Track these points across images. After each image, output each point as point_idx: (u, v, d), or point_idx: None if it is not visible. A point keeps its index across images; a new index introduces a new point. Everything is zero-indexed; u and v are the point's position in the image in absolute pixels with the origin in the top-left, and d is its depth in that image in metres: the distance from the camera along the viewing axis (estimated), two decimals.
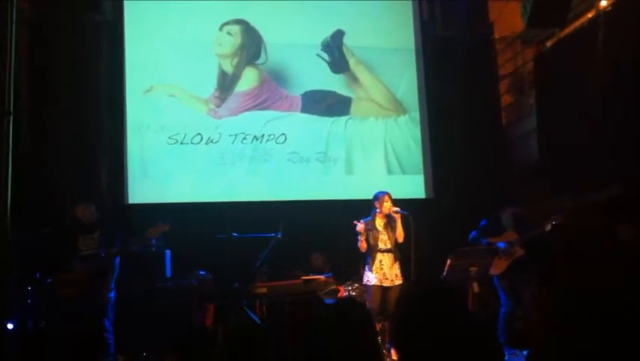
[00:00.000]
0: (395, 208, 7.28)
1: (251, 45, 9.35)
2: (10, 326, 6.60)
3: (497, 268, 7.52)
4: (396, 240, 7.31)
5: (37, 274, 6.63)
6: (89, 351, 6.43)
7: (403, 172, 9.46)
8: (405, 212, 7.27)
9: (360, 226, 7.21)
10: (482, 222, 7.80)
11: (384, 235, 7.31)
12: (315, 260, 8.42)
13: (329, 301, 6.96)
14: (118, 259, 7.00)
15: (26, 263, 6.78)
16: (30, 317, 6.57)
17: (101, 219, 7.13)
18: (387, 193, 7.39)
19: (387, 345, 6.58)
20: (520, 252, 7.54)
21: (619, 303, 2.03)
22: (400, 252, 7.31)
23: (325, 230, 8.36)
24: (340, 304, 3.29)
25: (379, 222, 7.36)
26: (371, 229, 7.31)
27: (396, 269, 7.25)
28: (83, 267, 6.72)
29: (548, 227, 7.23)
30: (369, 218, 7.38)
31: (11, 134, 5.34)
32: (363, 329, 2.53)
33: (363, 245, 7.23)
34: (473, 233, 7.72)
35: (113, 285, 6.90)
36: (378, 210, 7.34)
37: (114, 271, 6.95)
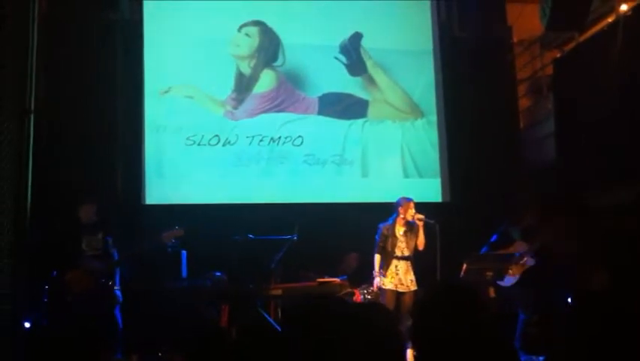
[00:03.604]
0: (420, 216, 7.25)
1: (268, 47, 9.37)
2: (27, 324, 6.65)
3: (510, 277, 7.49)
4: (415, 247, 7.28)
5: (54, 272, 6.65)
6: (100, 348, 6.44)
7: (420, 175, 9.42)
8: (430, 221, 7.24)
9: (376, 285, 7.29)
10: (492, 238, 7.79)
11: (403, 243, 7.29)
12: (351, 260, 8.36)
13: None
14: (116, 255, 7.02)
15: (42, 261, 6.81)
16: (45, 315, 6.60)
17: (105, 220, 7.13)
18: (412, 200, 7.37)
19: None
20: (531, 261, 7.52)
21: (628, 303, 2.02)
22: (417, 258, 7.29)
23: (340, 233, 8.34)
24: (365, 307, 3.28)
25: (399, 229, 7.34)
26: (390, 235, 7.28)
27: (412, 275, 7.25)
28: (92, 265, 6.74)
29: (554, 235, 7.23)
30: (389, 223, 7.35)
31: (32, 133, 5.37)
32: (388, 330, 2.52)
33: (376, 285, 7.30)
34: (484, 249, 7.70)
35: (118, 283, 6.91)
36: (401, 215, 7.30)
37: (117, 270, 6.97)
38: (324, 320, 2.36)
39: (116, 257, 6.94)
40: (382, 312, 2.61)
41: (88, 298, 6.61)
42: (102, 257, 6.84)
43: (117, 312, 6.84)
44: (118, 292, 6.86)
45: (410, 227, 7.32)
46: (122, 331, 6.86)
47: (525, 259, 7.51)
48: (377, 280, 7.24)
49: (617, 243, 6.97)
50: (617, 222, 7.20)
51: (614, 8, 8.42)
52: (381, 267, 7.27)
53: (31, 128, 5.19)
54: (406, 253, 7.28)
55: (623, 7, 8.17)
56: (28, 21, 5.10)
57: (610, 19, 8.43)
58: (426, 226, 7.26)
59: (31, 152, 5.29)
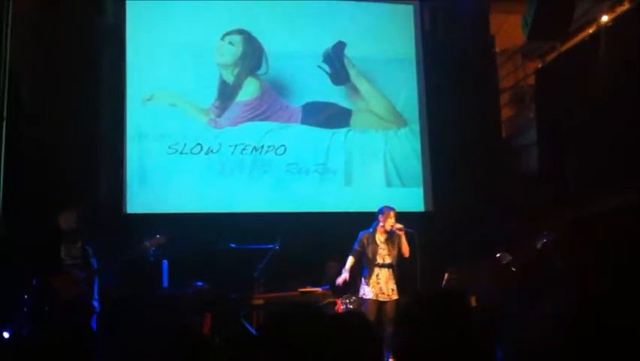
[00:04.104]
0: (399, 225, 7.25)
1: (252, 55, 9.36)
2: (5, 334, 6.57)
3: (494, 287, 7.51)
4: (397, 255, 7.28)
5: (34, 281, 6.57)
6: (81, 358, 6.37)
7: (403, 184, 9.42)
8: (410, 230, 7.24)
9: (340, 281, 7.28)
10: (474, 247, 7.80)
11: (384, 250, 7.29)
12: (331, 268, 8.35)
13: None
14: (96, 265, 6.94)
15: (21, 269, 6.74)
16: (26, 324, 6.52)
17: (85, 229, 7.05)
18: (393, 209, 7.37)
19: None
20: (515, 271, 7.53)
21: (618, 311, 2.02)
22: (398, 267, 7.28)
23: (323, 242, 8.32)
24: (343, 316, 3.27)
25: (379, 237, 7.34)
26: (371, 242, 7.28)
27: (393, 284, 7.24)
28: (72, 273, 6.67)
29: (539, 246, 7.25)
30: (370, 230, 7.35)
31: (4, 140, 5.32)
32: (367, 338, 2.52)
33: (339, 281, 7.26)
34: (467, 258, 7.71)
35: (96, 294, 6.83)
36: (381, 223, 7.30)
37: (96, 280, 6.90)
38: (301, 330, 2.34)
39: (96, 266, 6.86)
40: (361, 321, 2.60)
41: (69, 308, 6.53)
42: (81, 266, 6.76)
43: (93, 322, 6.76)
44: (95, 303, 6.79)
45: (390, 235, 7.32)
46: (101, 341, 6.78)
47: (509, 268, 7.52)
48: (362, 289, 7.22)
49: (604, 250, 7.02)
50: (604, 229, 7.25)
51: (595, 19, 8.49)
52: (364, 275, 7.26)
53: (4, 135, 5.16)
54: (388, 261, 7.27)
55: (604, 18, 8.24)
56: (1, 31, 5.06)
57: (591, 30, 8.50)
58: (409, 236, 7.27)
59: (4, 158, 5.26)
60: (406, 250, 7.27)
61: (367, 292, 7.18)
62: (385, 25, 9.84)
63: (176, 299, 7.40)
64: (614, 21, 7.96)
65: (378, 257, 7.26)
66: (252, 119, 9.17)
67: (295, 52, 9.44)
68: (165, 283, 7.73)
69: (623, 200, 7.17)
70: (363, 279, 7.28)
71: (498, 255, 7.63)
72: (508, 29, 9.72)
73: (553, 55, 9.29)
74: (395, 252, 7.30)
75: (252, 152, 9.05)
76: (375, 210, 7.52)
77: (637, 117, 7.14)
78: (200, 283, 7.53)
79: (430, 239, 8.17)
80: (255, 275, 7.58)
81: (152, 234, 6.99)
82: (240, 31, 9.37)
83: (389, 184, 9.37)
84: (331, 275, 8.24)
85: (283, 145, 9.13)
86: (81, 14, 8.75)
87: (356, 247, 7.35)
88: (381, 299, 7.16)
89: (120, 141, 8.75)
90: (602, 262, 6.90)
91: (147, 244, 6.94)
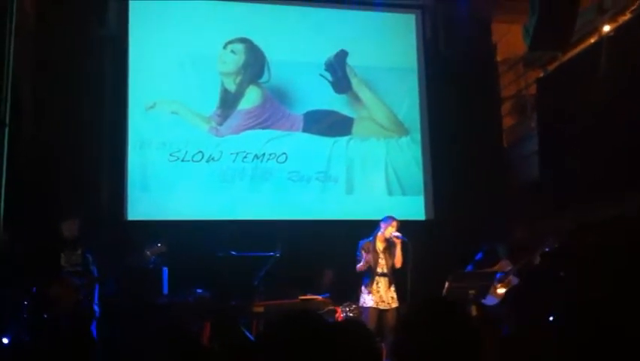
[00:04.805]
0: (395, 233, 7.25)
1: (254, 64, 9.37)
2: (5, 340, 6.56)
3: (494, 297, 7.49)
4: (392, 265, 7.28)
5: (34, 288, 6.57)
6: None
7: (404, 193, 9.42)
8: (404, 238, 7.24)
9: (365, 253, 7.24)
10: (477, 256, 7.79)
11: (382, 260, 7.31)
12: (325, 276, 8.34)
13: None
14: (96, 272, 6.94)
15: (22, 276, 6.74)
16: (26, 330, 6.51)
17: (85, 236, 7.05)
18: (397, 220, 7.38)
19: None
20: (515, 280, 7.51)
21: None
22: (394, 276, 7.28)
23: (324, 250, 8.31)
24: (343, 324, 3.26)
25: (379, 245, 7.35)
26: (371, 251, 7.29)
27: (392, 293, 7.25)
28: (71, 280, 6.67)
29: (538, 258, 7.25)
30: (370, 239, 7.35)
31: (6, 146, 5.31)
32: (366, 347, 2.51)
33: (362, 267, 7.21)
34: (469, 267, 7.70)
35: (96, 299, 6.82)
36: (382, 231, 7.31)
37: (97, 286, 6.90)
38: (301, 337, 2.34)
39: (96, 274, 6.86)
40: (360, 329, 2.60)
41: (68, 315, 6.53)
42: (81, 273, 6.77)
43: (93, 328, 6.76)
44: (95, 308, 6.78)
45: (389, 244, 7.33)
46: (101, 347, 6.78)
47: (509, 277, 7.51)
48: (362, 298, 7.20)
49: (606, 256, 7.01)
50: (606, 235, 7.25)
51: (596, 29, 8.50)
52: (365, 284, 7.26)
53: (6, 141, 5.16)
54: (385, 270, 7.28)
55: (606, 28, 8.26)
56: (5, 38, 5.07)
57: (592, 40, 8.51)
58: (404, 245, 7.27)
59: (8, 165, 5.25)
60: (398, 260, 7.27)
61: (368, 300, 7.18)
62: (387, 34, 9.88)
63: (177, 307, 7.39)
64: (616, 31, 7.97)
65: (378, 266, 7.27)
66: (253, 127, 9.18)
67: (297, 60, 9.46)
68: (165, 291, 7.71)
69: (625, 207, 7.17)
70: (363, 287, 7.28)
71: (500, 263, 7.62)
72: (510, 39, 9.72)
73: (554, 64, 9.30)
74: (391, 261, 7.31)
75: (253, 160, 9.06)
76: (377, 218, 7.53)
77: (639, 125, 7.14)
78: (200, 291, 7.52)
79: (432, 248, 8.16)
80: (256, 283, 7.58)
81: (152, 241, 7.00)
82: (242, 40, 9.40)
83: (390, 193, 9.37)
84: (326, 284, 8.24)
85: (284, 153, 9.13)
86: (84, 22, 8.77)
87: (359, 257, 7.32)
88: (381, 307, 7.16)
89: (122, 148, 8.76)
90: (605, 268, 6.88)
91: (148, 253, 6.95)
